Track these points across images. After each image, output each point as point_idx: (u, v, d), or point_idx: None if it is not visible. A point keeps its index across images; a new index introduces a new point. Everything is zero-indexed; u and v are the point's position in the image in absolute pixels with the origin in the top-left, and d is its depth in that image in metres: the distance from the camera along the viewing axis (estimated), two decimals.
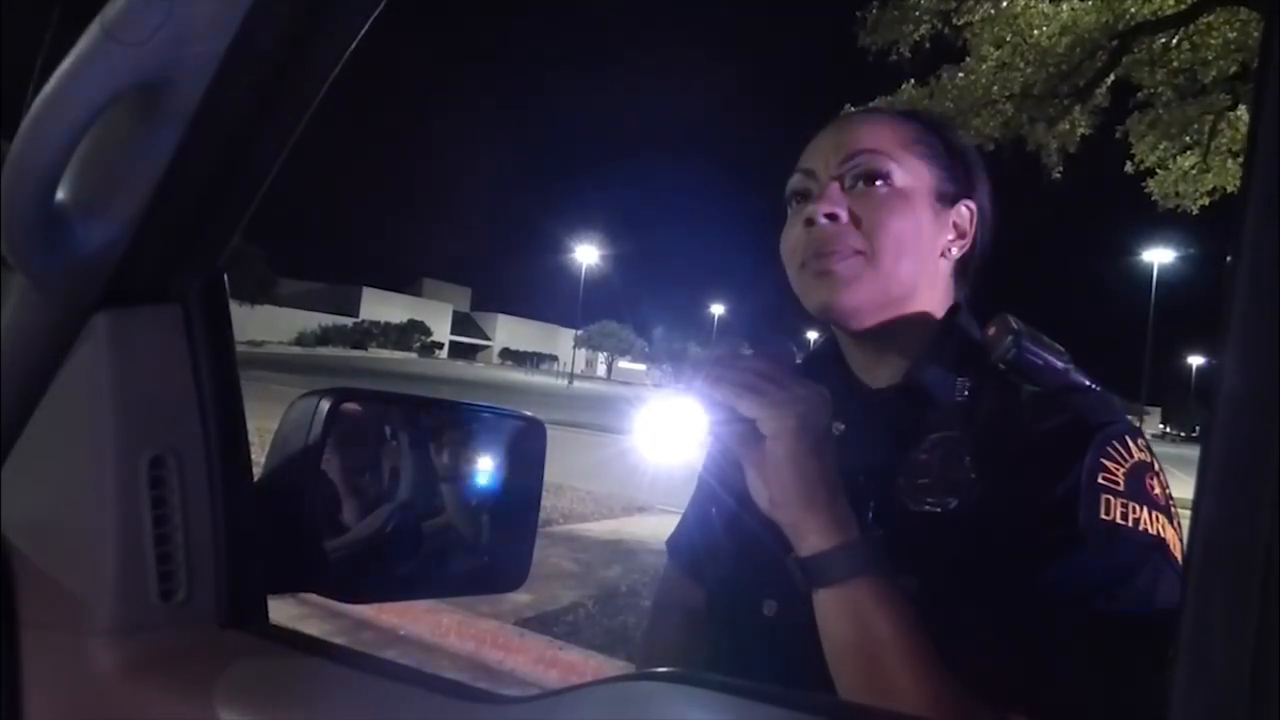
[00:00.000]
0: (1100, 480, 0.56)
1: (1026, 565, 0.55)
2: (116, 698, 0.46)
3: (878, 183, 0.66)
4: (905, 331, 0.67)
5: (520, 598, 3.83)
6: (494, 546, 0.68)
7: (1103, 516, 0.54)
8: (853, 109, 0.86)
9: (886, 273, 0.65)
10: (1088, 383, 0.64)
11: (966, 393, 0.64)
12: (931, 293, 0.69)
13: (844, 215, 0.65)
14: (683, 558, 0.85)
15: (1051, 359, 0.64)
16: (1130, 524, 0.54)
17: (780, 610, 0.65)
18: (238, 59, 0.40)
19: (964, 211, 0.70)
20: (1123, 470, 0.56)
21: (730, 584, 0.73)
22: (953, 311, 0.69)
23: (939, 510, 0.59)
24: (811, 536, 0.52)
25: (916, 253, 0.66)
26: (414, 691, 0.43)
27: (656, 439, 0.56)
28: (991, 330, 0.66)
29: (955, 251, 0.70)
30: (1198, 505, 0.24)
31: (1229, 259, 0.24)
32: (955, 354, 0.66)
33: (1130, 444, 0.58)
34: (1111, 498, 0.55)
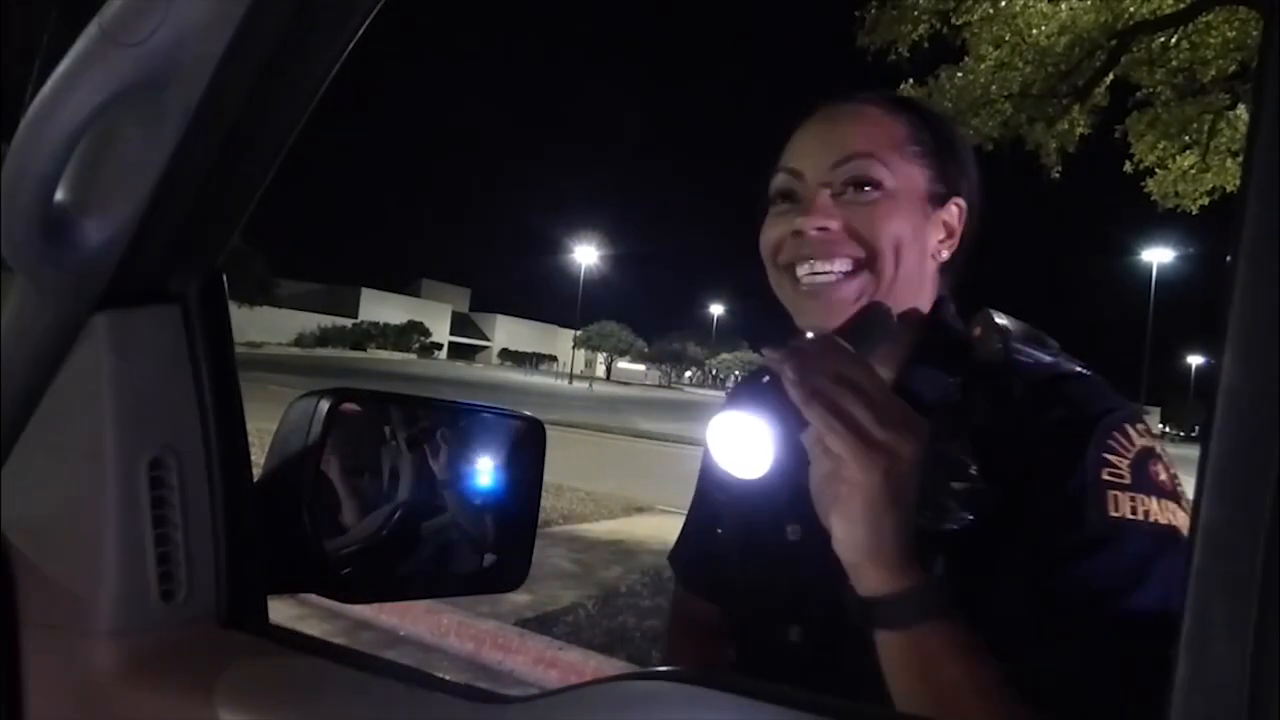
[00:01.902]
0: (1105, 476, 0.54)
1: (1042, 571, 0.53)
2: (117, 697, 0.46)
3: (868, 188, 0.63)
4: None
5: (519, 598, 3.83)
6: (494, 546, 0.68)
7: (1111, 514, 0.53)
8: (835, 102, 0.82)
9: (885, 281, 0.63)
10: (1079, 369, 0.62)
11: (958, 394, 0.62)
12: (919, 294, 0.67)
13: (835, 225, 0.63)
14: (689, 574, 0.82)
15: (1039, 353, 0.62)
16: (1140, 517, 0.53)
17: (807, 636, 0.63)
18: (236, 60, 0.40)
19: (953, 210, 0.68)
20: (1127, 461, 0.55)
21: (748, 606, 0.70)
22: (937, 308, 0.68)
23: (957, 529, 0.56)
24: (873, 580, 0.50)
25: (910, 258, 0.64)
26: (413, 691, 0.43)
27: (732, 454, 0.51)
28: (977, 330, 0.64)
29: (945, 253, 0.68)
30: (1197, 504, 0.24)
31: (1228, 258, 0.24)
32: (942, 354, 0.64)
33: (1131, 432, 0.56)
34: (1118, 493, 0.53)
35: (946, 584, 0.52)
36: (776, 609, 0.65)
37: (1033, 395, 0.59)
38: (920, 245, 0.66)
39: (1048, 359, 0.62)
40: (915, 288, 0.66)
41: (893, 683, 0.51)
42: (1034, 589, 0.53)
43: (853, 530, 0.50)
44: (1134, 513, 0.53)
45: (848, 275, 0.63)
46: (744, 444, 0.51)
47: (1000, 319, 0.63)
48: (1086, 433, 0.56)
